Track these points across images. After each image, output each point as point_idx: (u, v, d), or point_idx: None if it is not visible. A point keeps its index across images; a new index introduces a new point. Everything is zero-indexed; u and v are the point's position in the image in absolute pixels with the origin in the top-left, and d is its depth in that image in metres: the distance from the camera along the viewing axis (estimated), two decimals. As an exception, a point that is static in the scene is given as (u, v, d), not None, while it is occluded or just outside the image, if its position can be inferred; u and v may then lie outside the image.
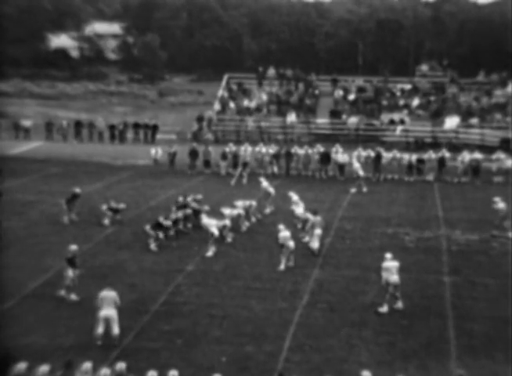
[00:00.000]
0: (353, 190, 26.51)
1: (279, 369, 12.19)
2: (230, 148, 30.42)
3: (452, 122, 35.94)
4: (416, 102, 38.59)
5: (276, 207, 22.94)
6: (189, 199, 21.64)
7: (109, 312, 13.14)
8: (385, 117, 37.44)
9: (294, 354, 12.96)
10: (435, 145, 33.58)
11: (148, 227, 19.06)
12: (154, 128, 37.84)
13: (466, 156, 29.22)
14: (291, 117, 37.60)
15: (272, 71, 42.59)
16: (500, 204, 20.80)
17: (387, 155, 29.77)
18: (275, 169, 29.84)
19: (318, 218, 18.96)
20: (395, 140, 35.39)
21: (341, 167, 29.25)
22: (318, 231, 18.60)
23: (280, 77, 42.00)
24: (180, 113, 49.41)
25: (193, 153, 30.22)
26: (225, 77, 42.42)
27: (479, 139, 34.67)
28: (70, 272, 15.23)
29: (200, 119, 38.88)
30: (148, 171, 30.44)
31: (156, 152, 31.60)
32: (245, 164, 28.61)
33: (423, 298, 15.73)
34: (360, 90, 40.10)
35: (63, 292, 15.31)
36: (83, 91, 58.32)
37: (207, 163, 30.25)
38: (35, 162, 31.69)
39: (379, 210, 23.90)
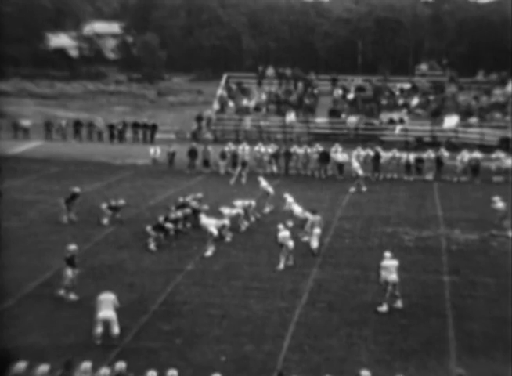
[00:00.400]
0: (352, 190, 26.50)
1: (279, 368, 12.18)
2: (229, 147, 30.41)
3: (451, 121, 35.92)
4: (415, 101, 38.58)
5: (275, 206, 22.92)
6: (189, 198, 21.64)
7: (107, 313, 13.13)
8: (384, 116, 37.41)
9: (294, 353, 12.96)
10: (434, 144, 33.55)
11: (149, 228, 19.04)
12: (153, 128, 37.81)
13: (465, 155, 29.20)
14: (290, 117, 37.58)
15: (271, 70, 42.56)
16: (499, 204, 20.81)
17: (385, 154, 29.76)
18: (275, 169, 29.83)
19: (317, 218, 18.94)
20: (395, 139, 35.37)
21: (340, 166, 29.23)
22: (317, 230, 18.59)
23: (279, 77, 41.95)
24: (179, 113, 49.40)
25: (192, 153, 30.21)
26: (224, 77, 42.39)
27: (478, 138, 34.65)
28: (70, 272, 15.22)
29: (199, 118, 38.86)
30: (147, 170, 30.42)
31: (156, 151, 31.58)
32: (244, 164, 28.60)
33: (422, 298, 15.72)
34: (359, 89, 40.08)
35: (62, 292, 15.31)
36: (82, 90, 58.31)
37: (206, 162, 30.24)
38: (34, 162, 31.65)
39: (378, 209, 23.89)
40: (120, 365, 10.88)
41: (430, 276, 17.15)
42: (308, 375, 11.97)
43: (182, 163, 30.33)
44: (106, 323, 13.12)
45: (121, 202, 21.47)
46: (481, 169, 28.72)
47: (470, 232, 20.99)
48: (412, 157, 29.31)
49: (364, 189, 26.57)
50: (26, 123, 38.50)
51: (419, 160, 29.07)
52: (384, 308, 14.87)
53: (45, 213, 22.44)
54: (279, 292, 15.93)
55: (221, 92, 40.76)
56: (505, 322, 14.35)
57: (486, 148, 31.96)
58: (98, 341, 13.07)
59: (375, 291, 15.64)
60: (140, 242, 19.27)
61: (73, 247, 15.60)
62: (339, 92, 39.77)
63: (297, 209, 20.65)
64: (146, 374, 10.60)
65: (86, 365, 10.77)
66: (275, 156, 30.03)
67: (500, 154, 29.70)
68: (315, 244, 18.47)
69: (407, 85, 40.40)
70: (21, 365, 10.60)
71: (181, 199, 21.53)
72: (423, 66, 43.54)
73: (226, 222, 19.61)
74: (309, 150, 29.80)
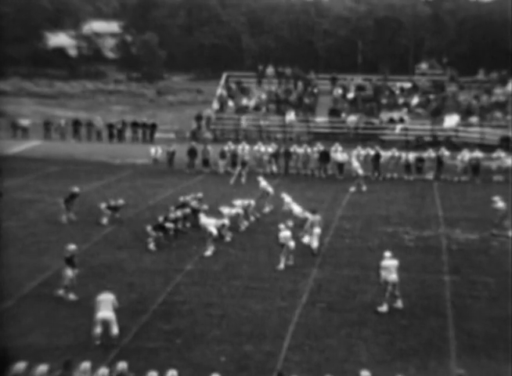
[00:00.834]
0: (352, 189, 26.45)
1: (279, 368, 12.15)
2: (229, 147, 30.37)
3: (451, 121, 35.88)
4: (415, 100, 38.53)
5: (275, 206, 22.87)
6: (189, 197, 21.58)
7: (106, 314, 13.09)
8: (384, 115, 37.37)
9: (294, 353, 12.93)
10: (435, 143, 33.51)
11: (150, 228, 18.99)
12: (153, 127, 37.75)
13: (466, 154, 29.16)
14: (290, 116, 37.53)
15: (270, 70, 42.50)
16: (500, 203, 20.77)
17: (385, 154, 29.71)
18: (274, 168, 29.78)
19: (317, 217, 18.90)
20: (395, 139, 35.33)
21: (340, 166, 29.19)
22: (317, 230, 18.55)
23: (279, 76, 41.89)
24: (179, 112, 49.33)
25: (192, 152, 30.16)
26: (224, 76, 42.32)
27: (479, 137, 34.59)
28: (69, 272, 15.18)
29: (198, 118, 38.79)
30: (146, 170, 30.38)
31: (157, 151, 31.48)
32: (244, 164, 28.55)
33: (422, 298, 15.69)
34: (359, 88, 40.02)
35: (61, 292, 15.27)
36: (81, 90, 58.20)
37: (205, 162, 30.20)
38: (33, 161, 31.60)
39: (378, 209, 23.85)
40: (122, 365, 10.85)
41: (430, 276, 17.12)
42: (307, 375, 11.92)
43: (182, 162, 30.29)
44: (106, 324, 13.08)
45: (120, 202, 21.43)
46: (482, 169, 28.69)
47: (470, 231, 20.95)
48: (412, 156, 29.26)
49: (364, 188, 26.52)
50: (25, 122, 38.43)
51: (419, 160, 29.02)
52: (384, 308, 14.83)
53: (44, 213, 22.40)
54: (278, 292, 15.90)
55: (220, 91, 40.70)
56: (505, 322, 14.31)
57: (487, 147, 31.89)
58: (97, 342, 13.03)
59: (375, 291, 15.61)
60: (140, 242, 19.23)
61: (73, 247, 15.56)
62: (339, 91, 39.72)
63: (296, 208, 20.61)
64: (145, 375, 10.56)
65: (85, 365, 10.75)
66: (274, 155, 29.98)
67: (501, 154, 29.66)
68: (315, 243, 18.42)
69: (407, 84, 40.35)
70: (20, 365, 10.58)
71: (181, 198, 21.49)
72: (424, 66, 43.48)
73: (226, 221, 19.57)
74: (309, 150, 29.77)
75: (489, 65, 43.51)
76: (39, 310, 14.71)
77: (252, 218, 21.48)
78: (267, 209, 22.88)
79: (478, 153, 29.31)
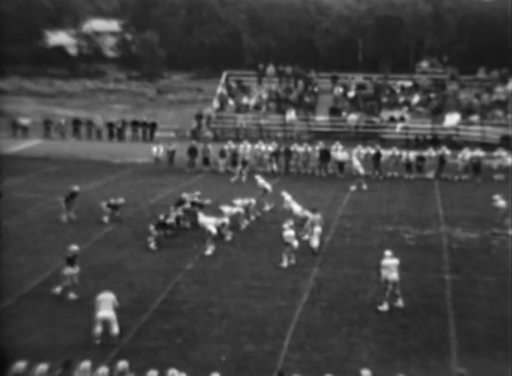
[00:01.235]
0: (353, 188, 26.42)
1: (279, 368, 12.12)
2: (229, 146, 30.34)
3: (452, 119, 35.84)
4: (416, 99, 38.48)
5: (276, 205, 22.84)
6: (187, 195, 21.49)
7: (107, 313, 13.07)
8: (385, 114, 37.33)
9: (294, 353, 12.91)
10: (435, 142, 33.47)
11: (152, 227, 18.94)
12: (153, 126, 37.73)
13: (466, 153, 29.12)
14: (291, 115, 37.50)
15: (271, 68, 42.46)
16: (501, 202, 20.74)
17: (386, 153, 29.67)
18: (275, 167, 29.75)
19: (317, 216, 18.87)
20: (395, 137, 35.29)
21: (341, 164, 29.16)
22: (317, 229, 18.52)
23: (279, 75, 41.84)
24: (179, 111, 49.31)
25: (192, 151, 30.14)
26: (224, 75, 42.28)
27: (480, 136, 34.54)
28: (70, 272, 15.15)
29: (198, 117, 38.76)
30: (147, 169, 30.36)
31: (158, 150, 31.36)
32: (245, 162, 28.52)
33: (423, 297, 15.66)
34: (360, 87, 39.98)
35: (58, 289, 15.22)
36: (81, 88, 58.21)
37: (206, 161, 30.18)
38: (33, 160, 31.60)
39: (379, 208, 23.82)
40: (123, 364, 10.80)
41: (431, 275, 17.09)
42: (308, 375, 11.89)
43: (182, 161, 30.26)
44: (106, 323, 13.06)
45: (121, 200, 21.40)
46: (483, 167, 28.66)
47: (471, 230, 20.92)
48: (412, 155, 29.23)
49: (365, 187, 26.49)
50: (25, 121, 38.41)
51: (420, 159, 28.99)
52: (384, 307, 14.80)
53: (44, 212, 22.38)
54: (279, 291, 15.87)
55: (221, 90, 40.66)
56: (506, 320, 14.28)
57: (487, 146, 31.85)
58: (97, 341, 13.01)
59: (376, 290, 15.58)
60: (140, 241, 19.20)
61: (75, 247, 15.49)
62: (339, 90, 39.67)
63: (296, 207, 20.59)
64: (146, 374, 10.53)
65: (85, 364, 10.72)
66: (275, 154, 29.96)
67: (502, 152, 29.62)
68: (315, 242, 18.40)
69: (408, 83, 40.29)
70: (20, 364, 10.56)
71: (184, 194, 21.45)
72: (424, 64, 43.41)
73: (226, 220, 19.54)
74: (309, 149, 29.75)
75: (490, 63, 43.44)
76: (39, 309, 14.69)
77: (253, 217, 21.45)
78: (267, 207, 22.85)
79: (479, 152, 29.27)
